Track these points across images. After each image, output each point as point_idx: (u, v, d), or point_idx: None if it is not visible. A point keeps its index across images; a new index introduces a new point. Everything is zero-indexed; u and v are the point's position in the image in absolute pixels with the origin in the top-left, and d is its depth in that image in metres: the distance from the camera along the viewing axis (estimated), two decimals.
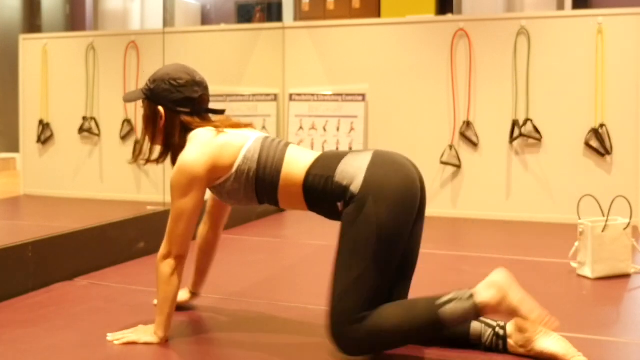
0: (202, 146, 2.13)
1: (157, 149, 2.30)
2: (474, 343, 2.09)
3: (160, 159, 2.29)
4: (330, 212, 2.11)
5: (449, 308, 1.92)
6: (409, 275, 2.16)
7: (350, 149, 5.03)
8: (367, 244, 1.96)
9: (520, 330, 2.02)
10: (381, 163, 2.03)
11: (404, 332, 1.96)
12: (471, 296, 1.92)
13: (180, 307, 2.49)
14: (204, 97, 2.26)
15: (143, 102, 2.26)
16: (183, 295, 2.52)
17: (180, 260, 2.16)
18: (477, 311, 1.92)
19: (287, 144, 2.19)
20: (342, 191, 2.03)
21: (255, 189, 2.15)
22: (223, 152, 2.13)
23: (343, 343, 1.99)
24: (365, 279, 1.96)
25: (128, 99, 2.31)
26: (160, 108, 2.21)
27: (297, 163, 2.12)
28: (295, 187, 2.11)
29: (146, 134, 2.26)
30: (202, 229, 2.49)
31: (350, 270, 1.98)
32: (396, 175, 2.00)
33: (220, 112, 2.30)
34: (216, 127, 2.20)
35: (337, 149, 5.05)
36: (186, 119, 2.21)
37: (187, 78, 2.21)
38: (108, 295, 2.74)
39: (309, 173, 2.09)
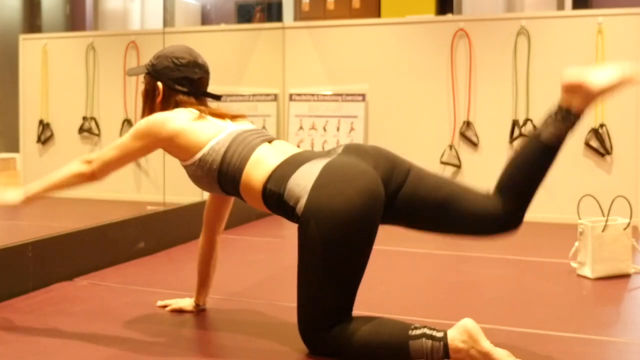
0: (177, 118, 2.17)
1: None
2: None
3: None
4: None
5: (419, 343, 1.88)
6: (463, 193, 2.10)
7: None
8: (316, 266, 1.96)
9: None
10: (327, 182, 1.97)
11: (370, 352, 1.94)
12: (443, 337, 1.87)
13: (181, 310, 2.50)
14: (203, 80, 2.30)
15: (145, 77, 2.30)
16: (188, 305, 2.51)
17: (90, 176, 2.21)
18: (447, 353, 1.87)
19: (261, 142, 2.16)
20: (291, 210, 2.03)
21: (218, 182, 2.16)
22: (191, 136, 2.14)
23: (311, 348, 2.03)
24: (322, 296, 1.97)
25: (131, 73, 2.36)
26: (159, 84, 2.25)
27: (259, 168, 2.09)
28: (256, 194, 2.11)
29: (144, 108, 2.31)
30: (201, 240, 2.47)
31: (307, 286, 2.00)
32: (342, 195, 1.94)
33: (217, 97, 2.33)
34: (200, 111, 2.22)
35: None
36: (182, 98, 2.25)
37: (189, 58, 2.27)
38: (108, 295, 2.74)
39: (265, 186, 2.07)
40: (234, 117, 2.27)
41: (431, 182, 2.11)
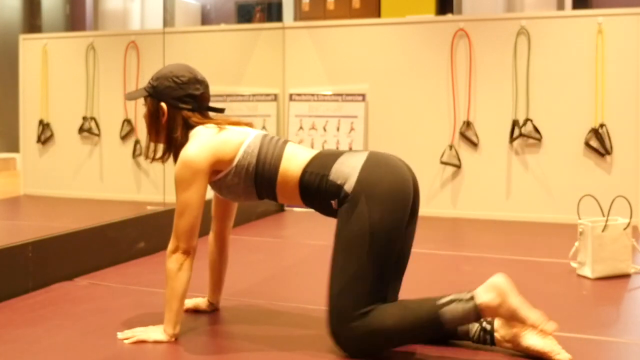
0: (204, 142, 2.17)
1: (161, 147, 2.32)
2: (462, 338, 2.13)
3: (164, 157, 2.31)
4: (324, 209, 2.16)
5: (449, 309, 1.95)
6: (401, 276, 2.22)
7: (350, 149, 5.02)
8: (360, 243, 2.00)
9: (508, 325, 2.05)
10: (375, 164, 2.08)
11: (404, 331, 1.99)
12: (471, 298, 1.95)
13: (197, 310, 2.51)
14: (205, 95, 2.30)
15: (145, 99, 2.29)
16: (202, 304, 2.51)
17: (187, 255, 2.17)
18: (478, 312, 1.95)
19: (285, 142, 2.25)
20: (336, 190, 2.08)
21: (255, 184, 2.19)
22: (224, 147, 2.17)
23: (343, 341, 2.02)
24: (361, 277, 2.00)
25: (130, 97, 2.34)
26: (163, 104, 2.24)
27: (294, 160, 2.17)
28: (292, 183, 2.16)
29: (149, 131, 2.29)
30: (211, 237, 2.49)
31: (345, 269, 2.01)
32: (389, 176, 2.06)
33: (220, 110, 2.34)
34: (217, 124, 2.24)
35: (337, 148, 5.04)
36: (187, 114, 2.24)
37: (189, 76, 2.26)
38: (108, 295, 2.74)
39: (305, 170, 2.14)
40: (244, 125, 2.31)
41: (407, 251, 2.23)
